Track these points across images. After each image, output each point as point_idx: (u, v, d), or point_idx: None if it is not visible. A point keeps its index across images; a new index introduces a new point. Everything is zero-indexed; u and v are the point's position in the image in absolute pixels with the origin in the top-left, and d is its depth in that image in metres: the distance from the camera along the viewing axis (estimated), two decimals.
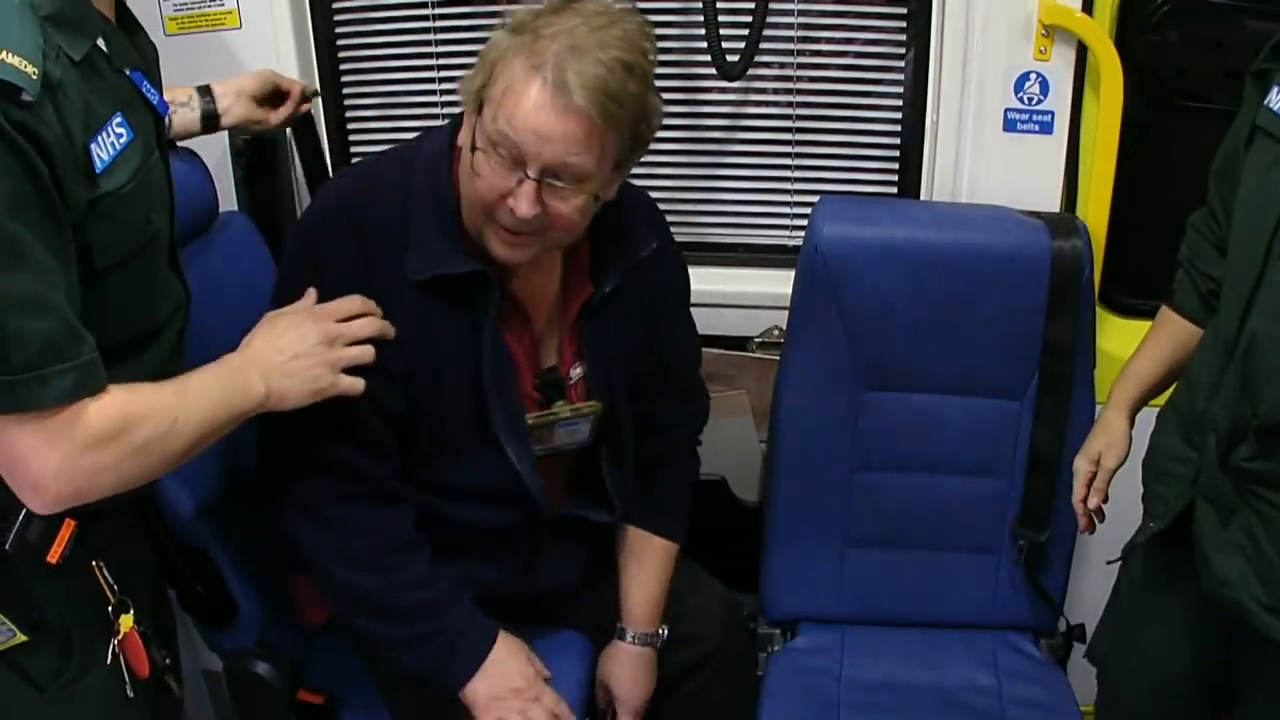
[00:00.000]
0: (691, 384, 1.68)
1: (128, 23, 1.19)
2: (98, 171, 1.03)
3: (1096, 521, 1.52)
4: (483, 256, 1.34)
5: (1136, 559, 1.51)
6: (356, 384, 1.29)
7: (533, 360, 1.46)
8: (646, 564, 1.63)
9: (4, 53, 0.94)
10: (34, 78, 0.95)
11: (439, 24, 1.88)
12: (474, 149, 1.27)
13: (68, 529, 1.12)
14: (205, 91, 1.57)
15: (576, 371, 1.50)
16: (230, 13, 1.77)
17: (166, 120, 1.22)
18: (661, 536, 1.64)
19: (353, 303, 1.31)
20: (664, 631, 1.63)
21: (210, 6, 1.77)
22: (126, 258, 1.10)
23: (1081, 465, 1.50)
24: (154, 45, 1.24)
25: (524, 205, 1.25)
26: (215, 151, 1.73)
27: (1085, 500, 1.50)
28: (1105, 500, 1.50)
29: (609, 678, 1.63)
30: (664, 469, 1.66)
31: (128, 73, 1.13)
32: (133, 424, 1.05)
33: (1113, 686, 1.61)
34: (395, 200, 1.35)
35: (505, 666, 1.47)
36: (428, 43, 1.89)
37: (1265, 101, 1.23)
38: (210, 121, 1.57)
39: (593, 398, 1.50)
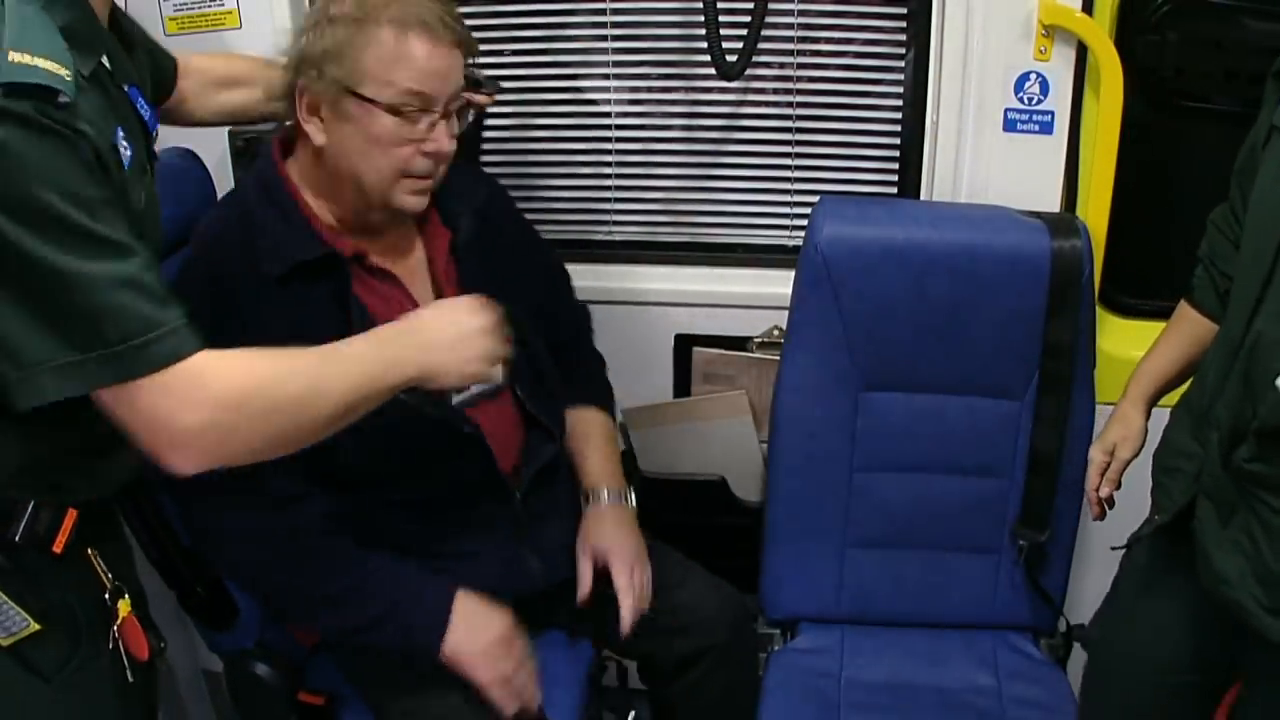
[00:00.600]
0: (587, 339, 1.78)
1: (124, 36, 1.21)
2: (125, 169, 1.06)
3: (1107, 509, 1.53)
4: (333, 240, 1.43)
5: (1140, 550, 1.51)
6: (498, 373, 1.33)
7: None
8: (587, 433, 1.68)
9: (37, 58, 0.95)
10: (68, 79, 0.97)
11: None
12: (395, 114, 1.34)
13: (70, 519, 1.15)
14: None
15: None
16: (230, 13, 1.77)
17: (154, 134, 1.23)
18: (591, 406, 1.71)
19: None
20: (631, 495, 1.66)
21: (210, 6, 1.77)
22: None
23: (1096, 455, 1.51)
24: (146, 64, 1.27)
25: (446, 141, 1.38)
26: (215, 151, 1.73)
27: (1098, 489, 1.51)
28: (1118, 487, 1.51)
29: (597, 539, 1.61)
30: (577, 371, 1.73)
31: (125, 89, 1.15)
32: (265, 386, 1.08)
33: (1103, 670, 1.60)
34: (239, 222, 1.43)
35: (475, 617, 1.46)
36: None
37: None
38: None
39: None
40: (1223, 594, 1.28)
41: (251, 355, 1.08)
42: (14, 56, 0.94)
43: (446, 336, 1.25)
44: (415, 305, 1.49)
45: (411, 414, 1.42)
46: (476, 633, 1.45)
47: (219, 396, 1.04)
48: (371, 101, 1.34)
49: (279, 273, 1.39)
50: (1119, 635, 1.56)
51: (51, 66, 0.96)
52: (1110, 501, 1.52)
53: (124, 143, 1.08)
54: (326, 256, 1.42)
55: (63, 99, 0.96)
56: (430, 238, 1.54)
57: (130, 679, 1.25)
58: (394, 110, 1.35)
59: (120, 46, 1.18)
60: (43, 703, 1.19)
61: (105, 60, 1.10)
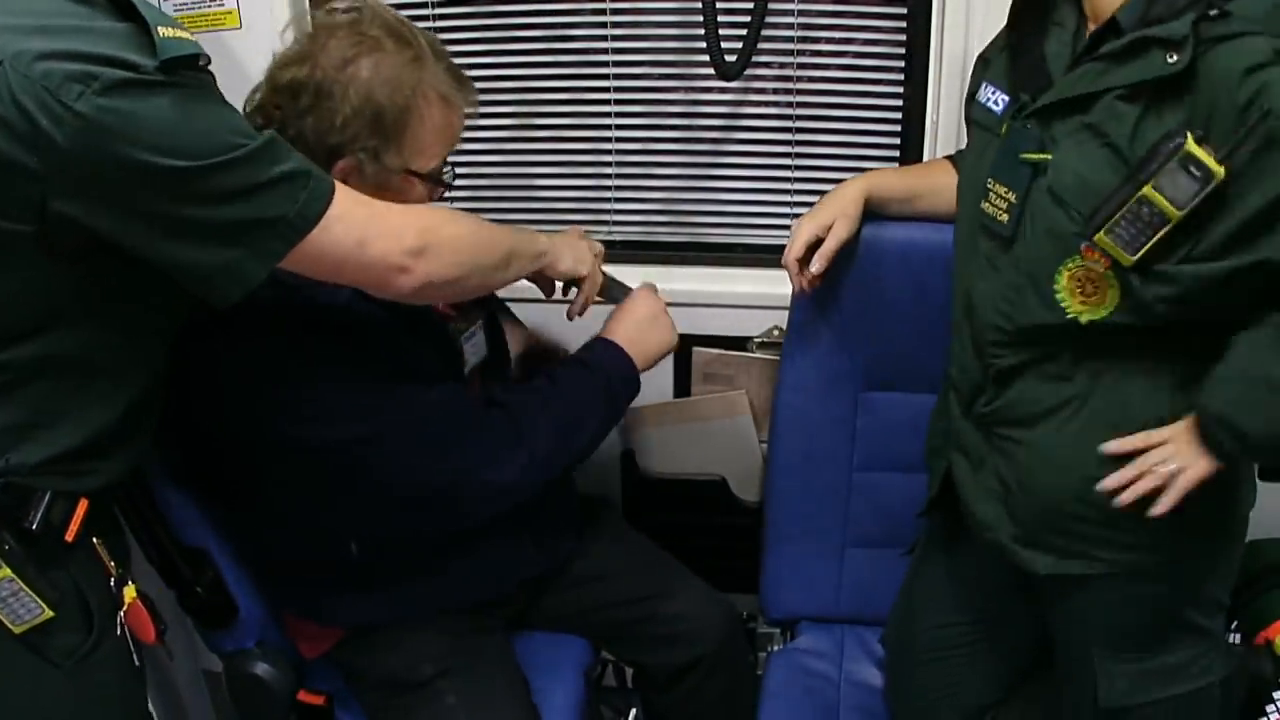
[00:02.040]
0: None
1: None
2: None
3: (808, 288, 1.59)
4: None
5: (919, 546, 1.61)
6: (597, 277, 1.55)
7: None
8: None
9: (168, 29, 1.04)
10: (199, 44, 1.07)
11: (439, 24, 1.88)
12: (434, 179, 1.36)
13: (82, 508, 1.18)
14: None
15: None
16: (230, 13, 1.77)
17: None
18: None
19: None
20: None
21: (210, 6, 1.77)
22: None
23: (807, 226, 1.53)
24: None
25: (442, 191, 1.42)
26: None
27: (799, 259, 1.55)
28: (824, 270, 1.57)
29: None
30: None
31: None
32: (442, 219, 1.26)
33: (896, 658, 1.66)
34: None
35: (631, 313, 1.60)
36: None
37: (977, 95, 1.35)
38: None
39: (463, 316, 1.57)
40: (987, 539, 1.39)
41: (450, 213, 1.30)
42: (164, 32, 1.03)
43: (561, 237, 1.54)
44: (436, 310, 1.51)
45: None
46: (643, 333, 1.58)
47: (406, 223, 1.22)
48: (419, 175, 1.33)
49: (340, 292, 1.33)
50: (910, 631, 1.62)
51: (185, 34, 1.06)
52: (816, 281, 1.57)
53: None
54: None
55: (202, 61, 1.07)
56: None
57: (136, 663, 1.28)
58: (435, 178, 1.36)
59: None
60: (53, 689, 1.20)
61: None
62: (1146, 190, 1.10)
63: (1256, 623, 1.56)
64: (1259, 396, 1.16)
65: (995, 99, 1.32)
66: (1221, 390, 1.18)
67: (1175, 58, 1.09)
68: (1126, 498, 1.23)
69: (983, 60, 1.43)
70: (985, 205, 1.27)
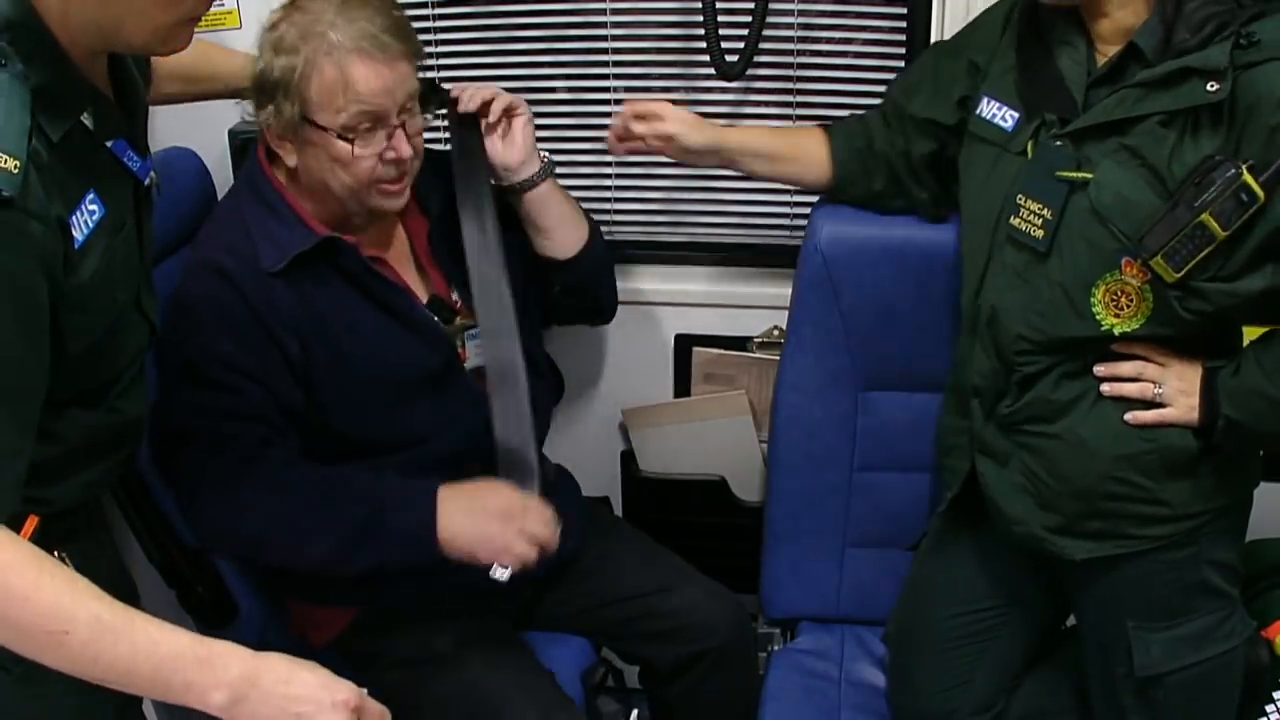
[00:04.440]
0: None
1: (130, 89, 1.19)
2: (76, 246, 1.04)
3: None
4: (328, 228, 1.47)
5: (928, 539, 1.63)
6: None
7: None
8: None
9: None
10: (15, 171, 0.95)
11: (439, 24, 1.88)
12: (346, 141, 1.39)
13: (31, 523, 1.14)
14: None
15: (454, 296, 1.58)
16: (230, 13, 1.77)
17: (148, 182, 1.20)
18: None
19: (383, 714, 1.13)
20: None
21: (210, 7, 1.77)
22: (99, 337, 1.12)
23: (658, 109, 1.57)
24: (145, 105, 1.25)
25: (405, 147, 1.43)
26: (215, 150, 1.73)
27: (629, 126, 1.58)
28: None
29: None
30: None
31: (109, 145, 1.13)
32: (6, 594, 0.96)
33: (904, 652, 1.66)
34: (234, 222, 1.48)
35: (463, 501, 1.42)
36: (428, 43, 1.89)
37: (977, 111, 1.40)
38: None
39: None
40: (1018, 533, 1.42)
41: (26, 564, 0.98)
42: None
43: (282, 698, 1.03)
44: (407, 289, 1.54)
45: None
46: (469, 516, 1.40)
47: None
48: (325, 129, 1.39)
49: (277, 266, 1.43)
50: (919, 620, 1.63)
51: None
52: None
53: (91, 207, 1.06)
54: (325, 243, 1.45)
55: (5, 194, 0.93)
56: (410, 223, 1.59)
57: None
58: (348, 132, 1.39)
59: (112, 98, 1.14)
60: (5, 692, 1.19)
61: (86, 117, 1.07)
62: (1204, 217, 1.16)
63: (1257, 622, 1.56)
64: (1262, 409, 1.28)
65: (1003, 115, 1.35)
66: (1235, 401, 1.28)
67: (1216, 87, 1.16)
68: (1106, 389, 1.32)
69: (971, 64, 1.44)
70: (1016, 221, 1.31)
